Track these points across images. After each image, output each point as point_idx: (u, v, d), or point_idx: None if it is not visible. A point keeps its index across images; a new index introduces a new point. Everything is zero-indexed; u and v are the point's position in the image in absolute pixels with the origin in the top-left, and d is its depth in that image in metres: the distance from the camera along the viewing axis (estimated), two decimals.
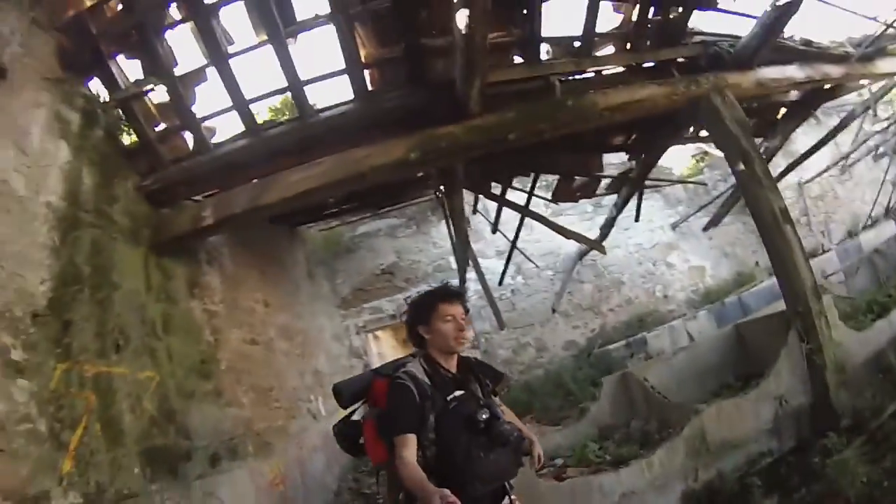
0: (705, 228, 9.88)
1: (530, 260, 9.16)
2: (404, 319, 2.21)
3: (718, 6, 4.53)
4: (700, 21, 5.17)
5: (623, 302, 9.74)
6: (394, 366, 2.16)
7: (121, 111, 3.92)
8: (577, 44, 4.50)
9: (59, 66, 3.34)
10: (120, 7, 3.52)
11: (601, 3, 4.27)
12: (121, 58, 3.77)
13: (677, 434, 3.80)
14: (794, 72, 5.03)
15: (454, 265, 8.89)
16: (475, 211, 9.09)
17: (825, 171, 10.96)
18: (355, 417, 2.14)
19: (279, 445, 5.17)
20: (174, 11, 3.71)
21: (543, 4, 4.12)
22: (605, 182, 7.45)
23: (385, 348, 14.23)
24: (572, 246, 9.17)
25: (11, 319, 2.73)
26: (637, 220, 8.48)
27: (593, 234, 8.39)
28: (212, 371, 4.55)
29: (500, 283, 8.86)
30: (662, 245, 10.42)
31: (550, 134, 4.31)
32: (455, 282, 8.56)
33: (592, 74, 4.74)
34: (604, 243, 7.72)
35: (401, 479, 1.81)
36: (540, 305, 9.44)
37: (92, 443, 3.02)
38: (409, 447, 1.86)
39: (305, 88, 4.15)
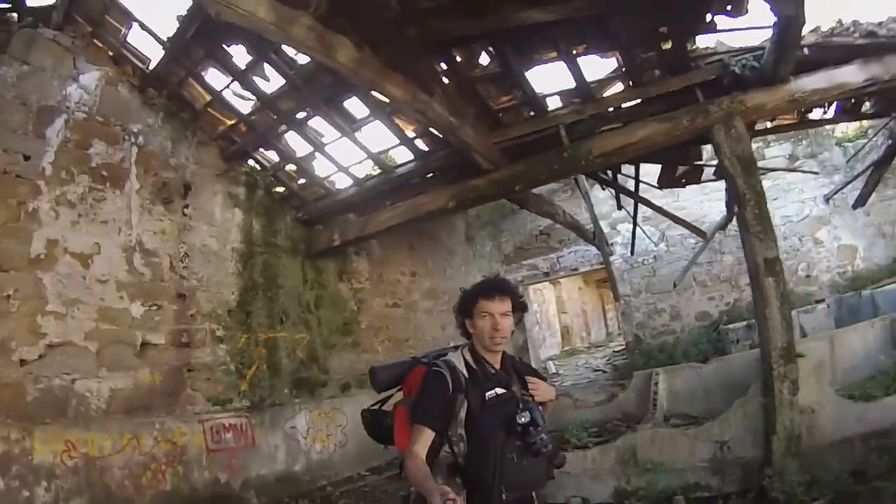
0: (854, 206, 8.13)
1: (648, 236, 9.13)
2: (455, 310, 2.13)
3: (718, 28, 4.29)
4: (726, 37, 4.71)
5: None
6: (438, 353, 2.15)
7: (272, 176, 6.44)
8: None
9: (222, 162, 5.94)
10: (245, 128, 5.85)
11: (589, 56, 4.69)
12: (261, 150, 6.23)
13: (612, 442, 4.63)
14: (850, 75, 4.33)
15: (606, 229, 9.53)
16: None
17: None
18: (388, 406, 2.14)
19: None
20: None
21: (537, 68, 4.83)
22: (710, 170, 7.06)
23: (566, 292, 15.50)
24: (718, 214, 8.69)
25: (216, 315, 5.57)
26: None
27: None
28: (353, 329, 7.11)
29: (632, 252, 9.13)
30: (812, 219, 8.90)
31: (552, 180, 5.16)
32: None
33: (610, 110, 5.11)
34: None
35: (405, 470, 1.79)
36: (680, 273, 9.35)
37: (260, 375, 5.82)
38: (423, 441, 1.83)
39: (384, 154, 5.96)
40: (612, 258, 9.42)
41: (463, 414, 1.88)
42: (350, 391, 6.75)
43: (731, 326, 8.03)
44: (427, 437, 1.82)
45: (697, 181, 7.08)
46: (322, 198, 6.66)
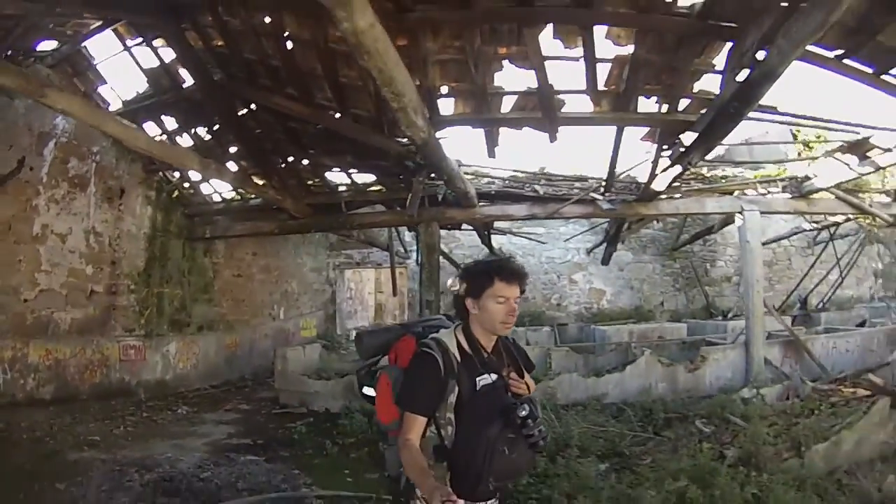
0: (603, 262, 12.40)
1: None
2: (453, 289, 2.08)
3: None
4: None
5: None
6: (427, 325, 2.18)
7: (174, 187, 9.59)
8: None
9: (144, 174, 8.98)
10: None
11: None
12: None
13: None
14: (518, 210, 9.40)
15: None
16: None
17: (780, 238, 12.67)
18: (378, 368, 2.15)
19: (239, 328, 11.24)
20: None
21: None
22: None
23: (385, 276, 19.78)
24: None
25: (132, 276, 8.77)
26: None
27: None
28: (209, 290, 10.57)
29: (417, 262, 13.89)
30: (572, 264, 13.63)
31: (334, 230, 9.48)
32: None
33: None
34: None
35: (402, 461, 1.81)
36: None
37: (151, 316, 9.12)
38: (416, 429, 1.84)
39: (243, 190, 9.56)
40: (409, 262, 13.48)
41: (453, 398, 1.87)
42: (203, 331, 10.29)
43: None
44: (420, 424, 1.85)
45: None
46: (203, 204, 9.99)
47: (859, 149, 7.15)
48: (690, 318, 12.00)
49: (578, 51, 5.35)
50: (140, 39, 7.06)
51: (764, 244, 11.55)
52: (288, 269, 13.27)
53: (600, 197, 8.36)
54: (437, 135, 6.39)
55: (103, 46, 7.73)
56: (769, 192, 8.48)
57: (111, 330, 8.35)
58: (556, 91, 5.92)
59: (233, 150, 8.79)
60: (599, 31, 5.14)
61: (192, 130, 8.67)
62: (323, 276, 14.84)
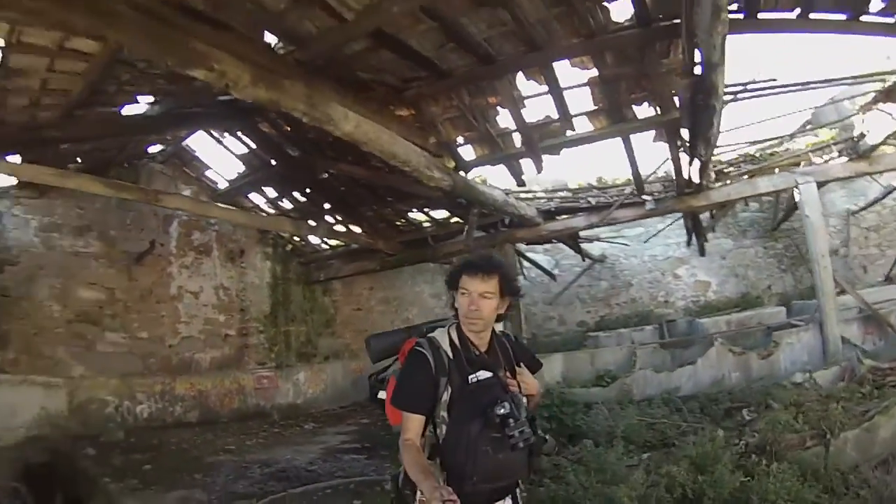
0: (701, 254, 12.05)
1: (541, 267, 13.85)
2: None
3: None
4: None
5: (629, 300, 13.48)
6: (433, 326, 2.18)
7: (286, 241, 11.45)
8: None
9: (259, 234, 10.90)
10: None
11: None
12: None
13: None
14: (577, 222, 9.10)
15: None
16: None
17: (875, 202, 11.33)
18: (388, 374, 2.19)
19: (364, 356, 12.63)
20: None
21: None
22: None
23: None
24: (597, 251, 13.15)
25: (259, 319, 10.75)
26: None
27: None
28: (332, 325, 12.22)
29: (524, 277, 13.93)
30: (674, 259, 13.00)
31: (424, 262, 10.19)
32: None
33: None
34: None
35: (402, 461, 1.82)
36: (566, 292, 14.06)
37: (280, 350, 10.97)
38: (413, 428, 1.85)
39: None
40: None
41: (447, 396, 1.88)
42: (330, 360, 11.92)
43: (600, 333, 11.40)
44: (416, 422, 1.86)
45: None
46: (314, 252, 11.71)
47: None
48: (798, 298, 10.90)
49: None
50: (227, 134, 8.87)
51: (856, 212, 11.52)
52: (406, 299, 14.44)
53: (648, 197, 8.11)
54: (472, 174, 7.58)
55: (201, 141, 9.75)
56: (828, 159, 7.74)
57: (245, 364, 10.33)
58: (534, 124, 6.40)
59: (326, 206, 10.29)
60: (563, 64, 5.50)
61: (291, 195, 10.34)
62: (443, 300, 15.62)
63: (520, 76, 5.79)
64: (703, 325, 9.90)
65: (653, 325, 11.31)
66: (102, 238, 8.63)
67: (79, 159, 7.81)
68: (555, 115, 6.16)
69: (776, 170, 7.98)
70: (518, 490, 1.99)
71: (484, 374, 1.92)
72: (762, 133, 9.57)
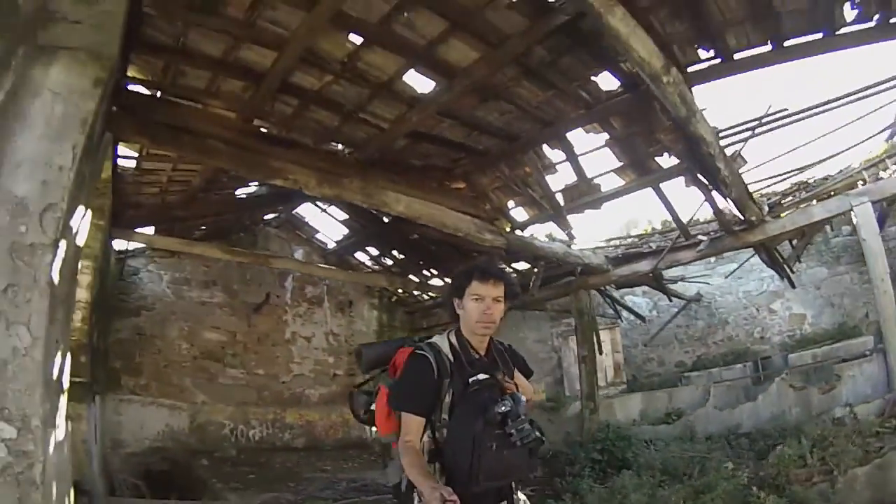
0: (793, 286, 11.13)
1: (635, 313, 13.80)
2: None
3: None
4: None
5: (725, 338, 12.95)
6: (420, 338, 2.20)
7: (392, 293, 12.94)
8: None
9: (366, 288, 12.50)
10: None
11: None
12: None
13: None
14: (642, 266, 9.38)
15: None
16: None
17: None
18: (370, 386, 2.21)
19: None
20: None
21: None
22: None
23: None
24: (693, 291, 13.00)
25: None
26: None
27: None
28: None
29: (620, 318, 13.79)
30: (768, 293, 12.33)
31: None
32: None
33: None
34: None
35: (402, 463, 1.84)
36: (664, 333, 13.85)
37: None
38: (414, 430, 1.87)
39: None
40: (619, 322, 14.17)
41: (448, 399, 1.91)
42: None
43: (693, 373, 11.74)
44: (417, 424, 1.88)
45: None
46: (417, 302, 13.12)
47: None
48: None
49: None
50: (329, 204, 10.68)
51: None
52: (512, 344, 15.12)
53: (704, 238, 8.29)
54: (527, 231, 8.55)
55: (309, 209, 11.22)
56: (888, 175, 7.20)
57: None
58: (563, 189, 7.39)
59: (420, 262, 11.65)
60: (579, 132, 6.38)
61: (390, 253, 11.83)
62: (548, 345, 16.15)
63: (545, 147, 6.72)
64: (790, 360, 9.77)
65: (744, 363, 11.07)
66: (225, 290, 10.58)
67: (203, 227, 9.89)
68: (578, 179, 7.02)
69: (831, 193, 7.59)
70: (514, 497, 2.03)
71: (483, 376, 1.97)
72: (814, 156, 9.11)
